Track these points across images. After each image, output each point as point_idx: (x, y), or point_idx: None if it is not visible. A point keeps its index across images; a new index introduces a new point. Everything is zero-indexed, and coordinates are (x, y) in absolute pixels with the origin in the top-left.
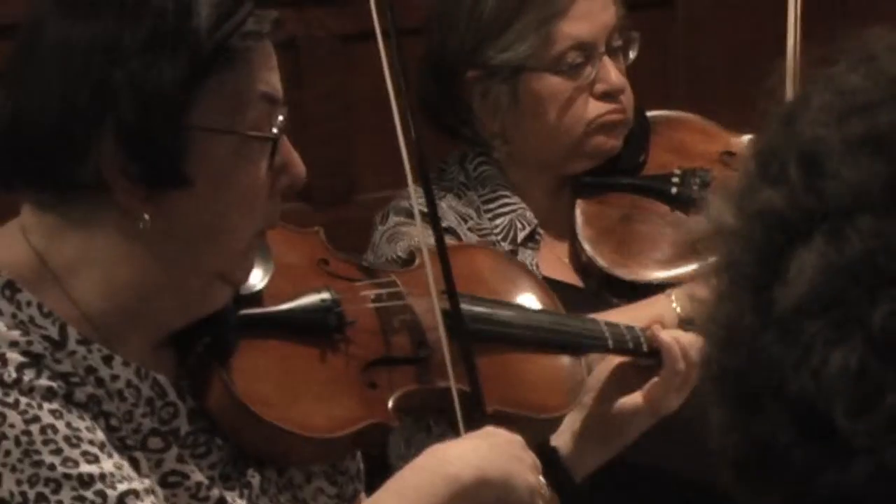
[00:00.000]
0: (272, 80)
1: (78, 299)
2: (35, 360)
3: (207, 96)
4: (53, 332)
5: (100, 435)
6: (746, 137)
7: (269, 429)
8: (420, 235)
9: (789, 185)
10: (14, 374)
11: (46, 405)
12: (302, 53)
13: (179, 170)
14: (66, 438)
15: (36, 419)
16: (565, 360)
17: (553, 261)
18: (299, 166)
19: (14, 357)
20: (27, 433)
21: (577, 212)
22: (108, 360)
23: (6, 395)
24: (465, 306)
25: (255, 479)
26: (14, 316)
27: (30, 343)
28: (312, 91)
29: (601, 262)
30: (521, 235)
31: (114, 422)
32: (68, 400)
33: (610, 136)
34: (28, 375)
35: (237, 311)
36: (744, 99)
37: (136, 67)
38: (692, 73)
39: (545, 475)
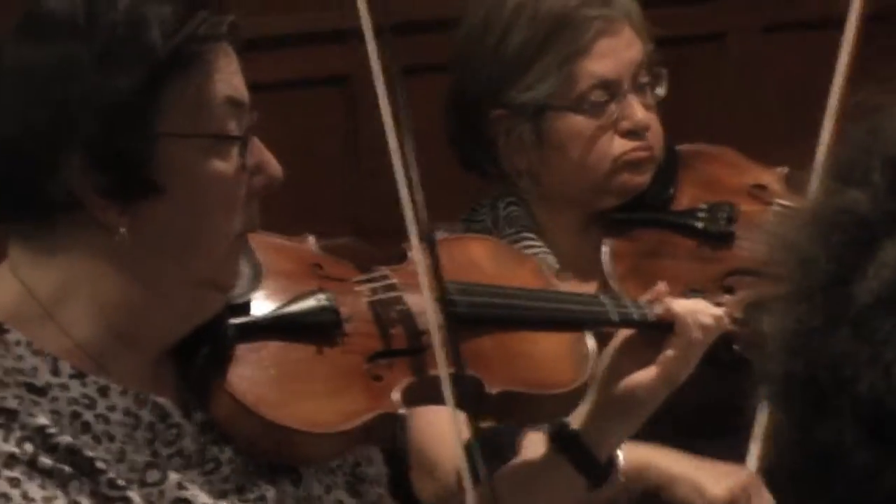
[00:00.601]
0: (234, 83)
1: (69, 329)
2: (7, 419)
3: (169, 103)
4: (44, 370)
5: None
6: (779, 170)
7: (279, 430)
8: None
9: (873, 188)
10: None
11: (6, 472)
12: (355, 89)
13: (149, 178)
14: None
15: None
16: (568, 335)
17: None
18: (274, 166)
19: None
20: None
21: (605, 249)
22: (104, 392)
23: None
24: (463, 294)
25: (271, 492)
26: None
27: (3, 399)
28: (365, 126)
29: (625, 299)
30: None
31: (100, 465)
32: (31, 466)
33: (636, 174)
34: None
35: (232, 319)
36: (797, 132)
37: (93, 82)
38: (743, 108)
39: (565, 456)
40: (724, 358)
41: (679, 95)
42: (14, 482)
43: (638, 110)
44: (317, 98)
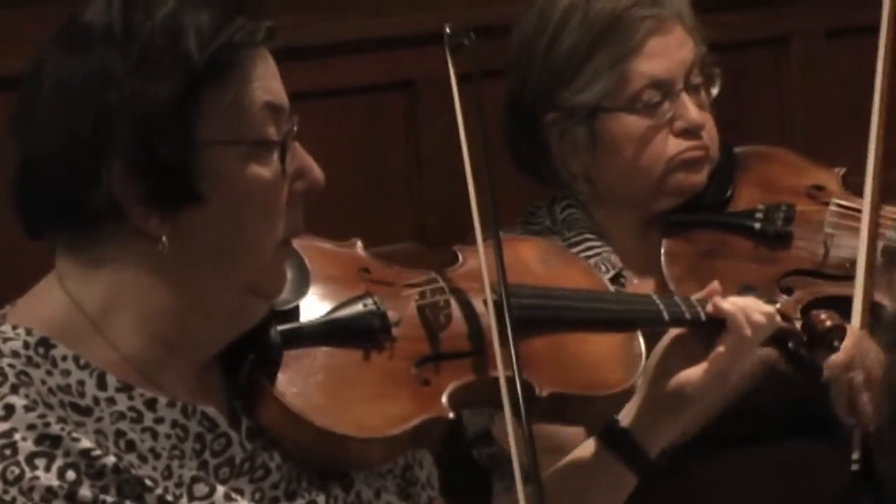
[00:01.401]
0: (273, 88)
1: (116, 341)
2: (51, 445)
3: (207, 110)
4: (90, 384)
5: None
6: (836, 170)
7: (327, 437)
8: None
9: None
10: (17, 471)
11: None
12: (418, 95)
13: (190, 186)
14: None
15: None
16: (620, 336)
17: None
18: (315, 171)
19: (26, 446)
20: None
21: (663, 250)
22: (151, 404)
23: (5, 491)
24: (514, 296)
25: (321, 498)
26: (43, 382)
27: (47, 425)
28: (428, 131)
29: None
30: (605, 278)
31: (149, 483)
32: (70, 499)
33: (692, 173)
34: (33, 470)
35: (279, 325)
36: (861, 136)
37: (132, 91)
38: (808, 110)
39: (616, 454)
40: (781, 356)
41: (742, 100)
42: None
43: (692, 110)
44: (380, 103)
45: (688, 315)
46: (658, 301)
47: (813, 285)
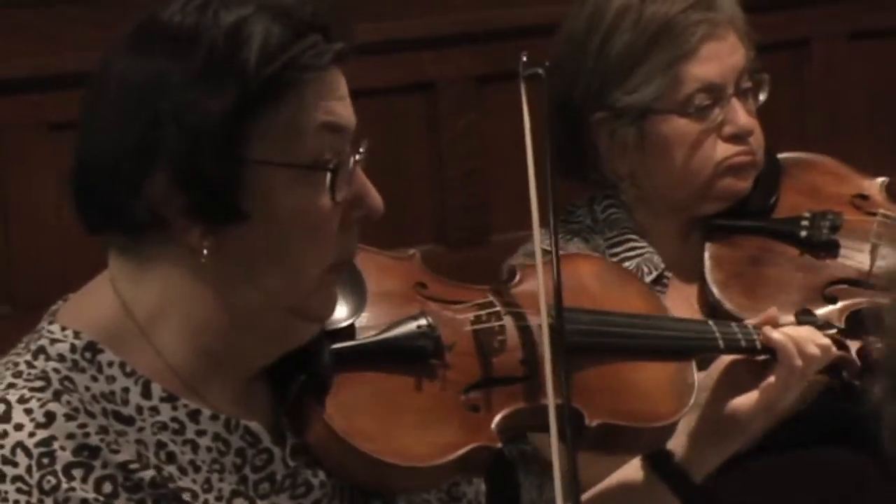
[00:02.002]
0: (336, 110)
1: (163, 349)
2: (90, 455)
3: (258, 129)
4: (135, 392)
5: None
6: (879, 180)
7: (371, 462)
8: (539, 270)
9: None
10: (54, 481)
11: None
12: (439, 95)
13: (233, 204)
14: None
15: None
16: (674, 364)
17: (681, 303)
18: (374, 198)
19: (64, 455)
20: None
21: (706, 255)
22: (194, 416)
23: (41, 501)
24: (569, 321)
25: None
26: (87, 388)
27: (87, 435)
28: (448, 132)
29: (728, 305)
30: (648, 279)
31: (187, 496)
32: None
33: (739, 178)
34: (70, 481)
35: (332, 344)
36: (882, 139)
37: (185, 102)
38: (829, 113)
39: (661, 478)
40: (834, 386)
41: (762, 103)
42: None
43: (742, 115)
44: (401, 105)
45: (743, 343)
46: (714, 328)
47: (858, 295)
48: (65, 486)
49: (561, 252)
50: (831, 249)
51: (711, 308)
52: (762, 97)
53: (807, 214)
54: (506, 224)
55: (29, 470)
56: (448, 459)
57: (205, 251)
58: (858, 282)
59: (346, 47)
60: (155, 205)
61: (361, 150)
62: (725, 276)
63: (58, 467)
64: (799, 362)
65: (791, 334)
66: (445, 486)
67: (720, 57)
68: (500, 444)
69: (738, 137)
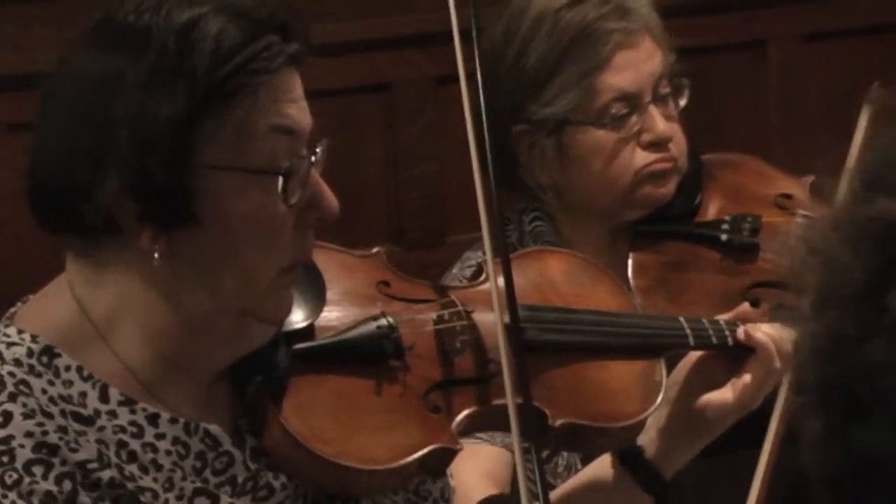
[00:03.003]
0: (289, 112)
1: (120, 352)
2: (49, 453)
3: (209, 133)
4: (93, 396)
5: None
6: (805, 179)
7: (329, 466)
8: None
9: None
10: (16, 475)
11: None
12: (395, 96)
13: (184, 208)
14: None
15: None
16: (642, 363)
17: None
18: (329, 200)
19: (23, 453)
20: None
21: (630, 262)
22: (153, 420)
23: (4, 496)
24: (535, 320)
25: None
26: (44, 391)
27: (45, 433)
28: (405, 133)
29: (652, 312)
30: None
31: (147, 497)
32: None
33: (659, 185)
34: (31, 476)
35: (290, 346)
36: (840, 140)
37: (135, 104)
38: (785, 114)
39: (631, 474)
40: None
41: (718, 104)
42: None
43: (659, 122)
44: (358, 106)
45: (714, 340)
46: (685, 324)
47: (781, 297)
48: (27, 480)
49: (534, 248)
50: (752, 252)
51: None
52: (682, 102)
53: (727, 217)
54: (463, 226)
55: None
56: (407, 461)
57: (156, 255)
58: (779, 283)
59: (301, 49)
60: (107, 208)
61: (318, 151)
62: (649, 282)
63: (18, 465)
64: (778, 363)
65: (771, 333)
66: (413, 486)
67: (635, 65)
68: (459, 446)
69: (656, 145)
